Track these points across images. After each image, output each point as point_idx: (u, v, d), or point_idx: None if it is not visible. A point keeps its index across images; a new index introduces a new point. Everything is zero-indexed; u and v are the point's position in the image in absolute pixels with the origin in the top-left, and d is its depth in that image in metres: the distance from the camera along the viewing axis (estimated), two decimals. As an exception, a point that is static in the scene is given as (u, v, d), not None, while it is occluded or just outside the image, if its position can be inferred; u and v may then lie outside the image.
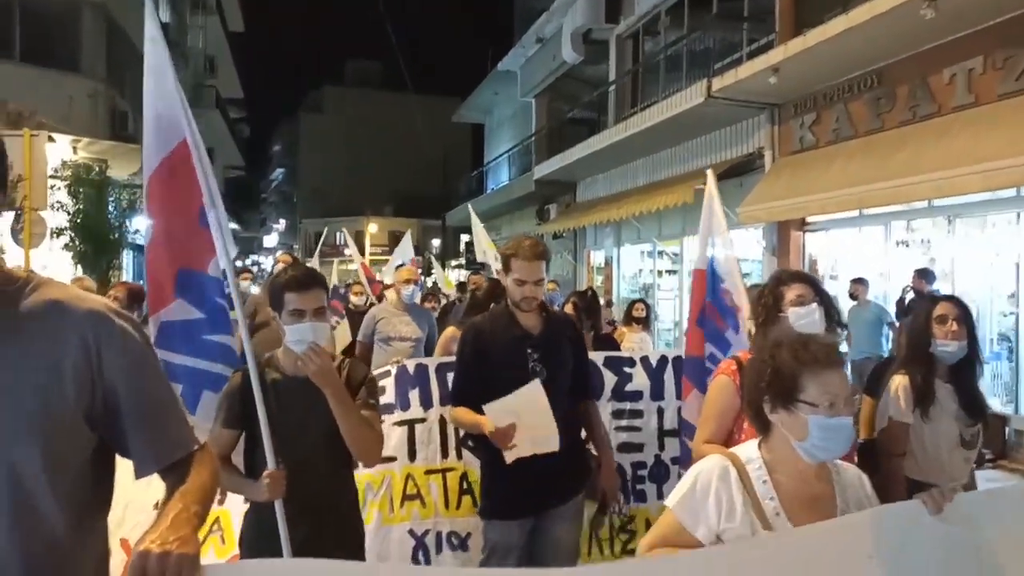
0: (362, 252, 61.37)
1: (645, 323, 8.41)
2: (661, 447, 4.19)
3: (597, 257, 18.25)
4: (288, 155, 63.21)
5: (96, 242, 13.02)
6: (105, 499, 1.58)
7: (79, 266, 12.69)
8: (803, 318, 2.79)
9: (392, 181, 54.24)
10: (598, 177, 17.14)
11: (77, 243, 12.64)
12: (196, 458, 1.55)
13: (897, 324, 8.83)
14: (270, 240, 65.54)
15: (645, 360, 4.34)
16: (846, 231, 10.67)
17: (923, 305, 3.40)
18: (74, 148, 14.06)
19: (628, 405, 4.20)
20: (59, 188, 12.13)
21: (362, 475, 3.66)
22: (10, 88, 12.99)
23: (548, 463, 3.04)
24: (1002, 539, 1.82)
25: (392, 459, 3.86)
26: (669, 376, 4.28)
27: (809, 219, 10.89)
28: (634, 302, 8.87)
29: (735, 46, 12.31)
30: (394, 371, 4.02)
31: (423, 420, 3.90)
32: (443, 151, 34.74)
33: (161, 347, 2.78)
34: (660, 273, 15.48)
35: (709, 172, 4.11)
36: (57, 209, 12.23)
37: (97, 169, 14.24)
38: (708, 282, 3.76)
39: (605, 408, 4.04)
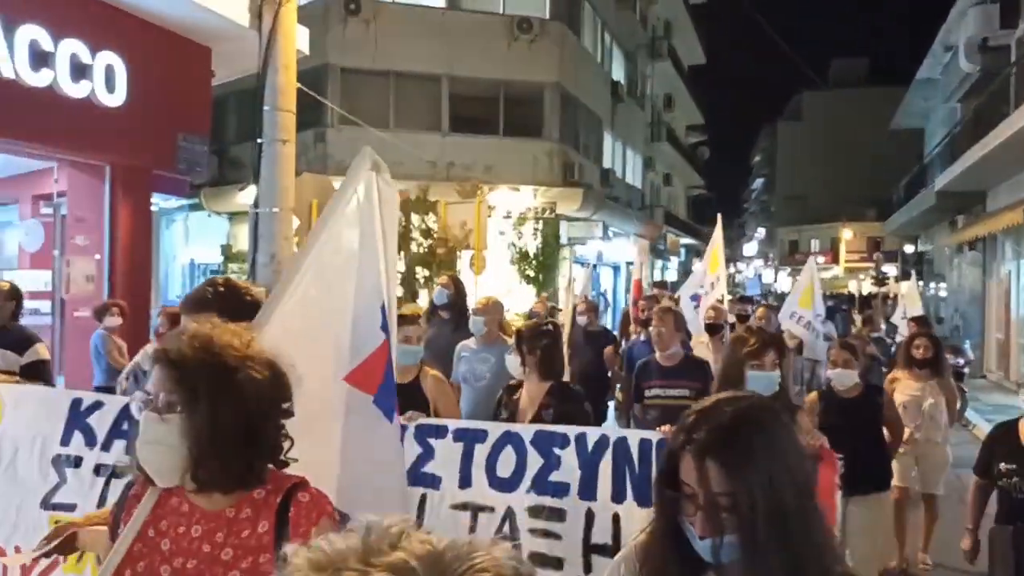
0: (836, 260, 58.66)
1: (934, 368, 5.66)
2: (587, 568, 3.02)
3: (1003, 272, 17.21)
4: (767, 164, 65.45)
5: (541, 268, 17.96)
6: None
7: (530, 285, 17.70)
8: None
9: (873, 184, 51.76)
10: (1000, 187, 16.39)
11: (525, 268, 17.69)
12: None
13: None
14: (749, 248, 68.57)
15: (581, 439, 3.19)
16: None
17: None
18: (534, 194, 19.41)
19: (548, 501, 3.10)
20: (507, 232, 17.46)
21: None
22: (496, 155, 18.62)
23: None
24: None
25: None
26: (606, 465, 3.13)
27: None
28: (914, 336, 6.07)
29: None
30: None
31: None
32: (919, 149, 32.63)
33: None
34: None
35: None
36: (509, 245, 17.57)
37: (548, 210, 19.41)
38: None
39: (522, 501, 3.11)
